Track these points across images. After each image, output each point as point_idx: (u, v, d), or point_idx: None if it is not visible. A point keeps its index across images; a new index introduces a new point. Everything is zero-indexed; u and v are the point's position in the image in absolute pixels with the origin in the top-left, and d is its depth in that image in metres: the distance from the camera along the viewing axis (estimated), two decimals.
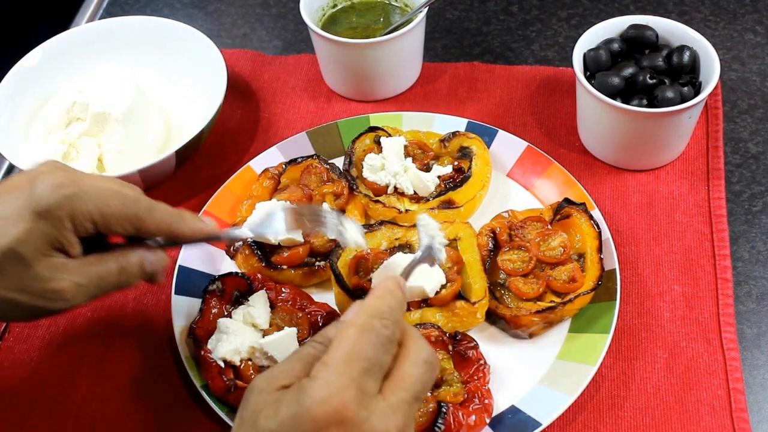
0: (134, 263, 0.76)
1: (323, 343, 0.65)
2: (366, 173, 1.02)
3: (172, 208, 0.77)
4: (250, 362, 0.87)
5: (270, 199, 1.00)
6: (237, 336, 0.87)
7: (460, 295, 0.90)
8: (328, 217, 0.83)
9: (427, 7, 1.10)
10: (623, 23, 1.06)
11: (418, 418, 0.82)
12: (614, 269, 0.92)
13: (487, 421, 0.83)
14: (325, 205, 0.96)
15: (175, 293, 0.94)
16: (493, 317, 0.92)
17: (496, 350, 0.90)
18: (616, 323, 0.89)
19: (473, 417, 0.82)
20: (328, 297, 0.95)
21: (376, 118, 1.09)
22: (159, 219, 0.75)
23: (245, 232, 0.84)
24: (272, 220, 0.84)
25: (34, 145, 1.09)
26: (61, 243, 0.71)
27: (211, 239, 0.83)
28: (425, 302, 0.90)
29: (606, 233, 0.95)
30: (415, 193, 1.01)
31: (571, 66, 1.02)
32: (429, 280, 0.89)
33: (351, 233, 0.83)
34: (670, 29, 1.05)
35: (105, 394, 0.91)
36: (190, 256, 0.97)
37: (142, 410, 0.89)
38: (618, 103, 0.98)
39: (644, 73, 1.00)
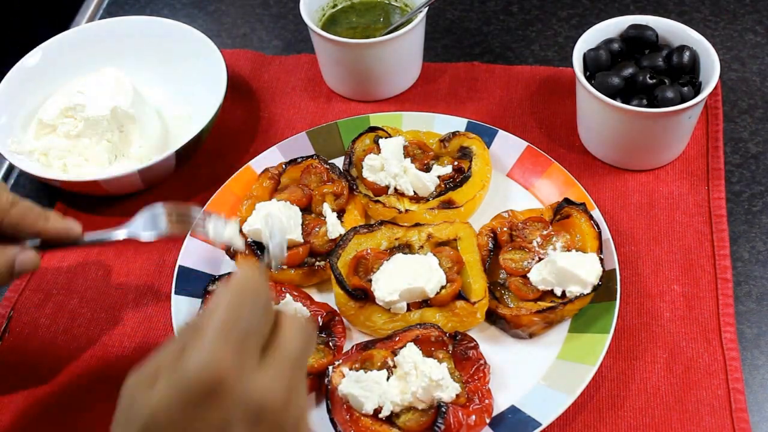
0: (2, 262, 0.74)
1: (190, 325, 0.60)
2: (366, 173, 1.02)
3: (38, 207, 0.76)
4: None
5: (270, 199, 1.00)
6: None
7: (460, 295, 0.90)
8: (193, 217, 0.87)
9: (427, 7, 1.10)
10: (623, 23, 1.06)
11: (418, 418, 0.82)
12: (614, 269, 0.92)
13: (487, 421, 0.83)
14: (194, 208, 0.92)
15: (175, 293, 0.94)
16: (493, 317, 0.92)
17: (496, 350, 0.90)
18: (616, 323, 0.89)
19: (473, 417, 0.82)
20: (328, 297, 0.95)
21: (376, 118, 1.09)
22: (22, 214, 0.74)
23: (118, 234, 0.84)
24: (156, 221, 0.86)
25: (34, 144, 1.09)
26: None
27: (80, 243, 0.81)
28: (425, 302, 0.90)
29: (606, 233, 0.95)
30: (415, 193, 1.01)
31: (571, 66, 1.02)
32: (429, 280, 0.89)
33: (215, 230, 0.86)
34: (670, 29, 1.05)
35: (105, 394, 0.91)
36: (190, 257, 0.97)
37: None
38: (618, 103, 0.98)
39: (644, 73, 1.00)
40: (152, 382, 0.55)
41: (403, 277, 0.89)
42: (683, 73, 1.02)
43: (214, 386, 0.54)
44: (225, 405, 0.54)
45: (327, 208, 0.98)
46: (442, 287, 0.90)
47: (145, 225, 0.86)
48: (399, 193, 1.01)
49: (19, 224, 0.75)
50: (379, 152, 1.03)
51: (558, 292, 0.90)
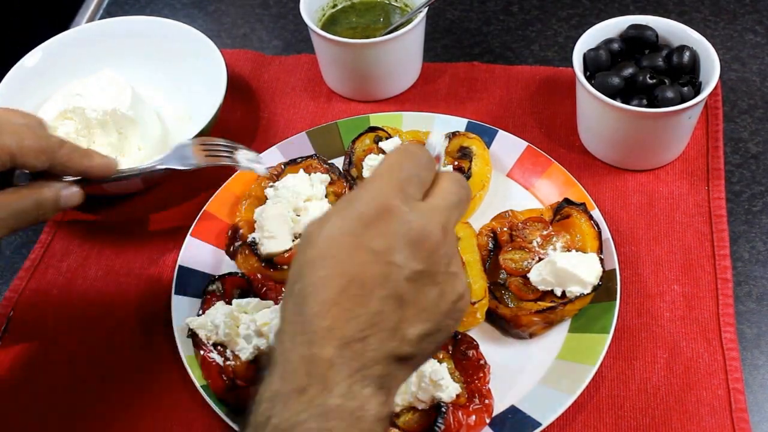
0: (50, 198, 0.78)
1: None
2: (366, 173, 1.02)
3: (81, 147, 0.80)
4: (249, 364, 0.87)
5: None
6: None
7: None
8: (223, 147, 0.94)
9: (427, 7, 1.10)
10: (623, 23, 1.06)
11: (418, 418, 0.82)
12: (614, 269, 0.92)
13: (487, 421, 0.83)
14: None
15: (175, 293, 0.94)
16: (493, 317, 0.92)
17: (496, 350, 0.90)
18: (616, 323, 0.89)
19: (473, 417, 0.82)
20: None
21: (376, 118, 1.09)
22: (69, 153, 0.78)
23: (154, 166, 0.90)
24: (188, 155, 0.91)
25: None
26: None
27: (122, 177, 0.87)
28: None
29: (606, 233, 0.95)
30: None
31: (571, 66, 1.02)
32: None
33: (244, 159, 0.94)
34: (670, 29, 1.05)
35: (105, 394, 0.91)
36: (190, 256, 0.98)
37: (142, 410, 0.89)
38: (618, 103, 0.98)
39: (644, 73, 1.00)
40: (324, 218, 0.63)
41: None
42: (683, 73, 1.02)
43: (380, 212, 0.61)
44: (390, 228, 0.60)
45: (328, 207, 0.98)
46: None
47: (178, 159, 0.91)
48: None
49: (67, 164, 0.79)
50: (380, 152, 1.03)
51: (558, 293, 0.90)
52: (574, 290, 0.89)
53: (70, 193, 0.80)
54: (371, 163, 1.02)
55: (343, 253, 0.60)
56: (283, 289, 0.90)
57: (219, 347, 0.88)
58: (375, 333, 0.59)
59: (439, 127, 1.08)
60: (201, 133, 1.03)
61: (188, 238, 0.99)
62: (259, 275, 0.94)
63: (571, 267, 0.88)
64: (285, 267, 0.95)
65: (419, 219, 0.61)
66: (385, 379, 0.60)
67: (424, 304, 0.61)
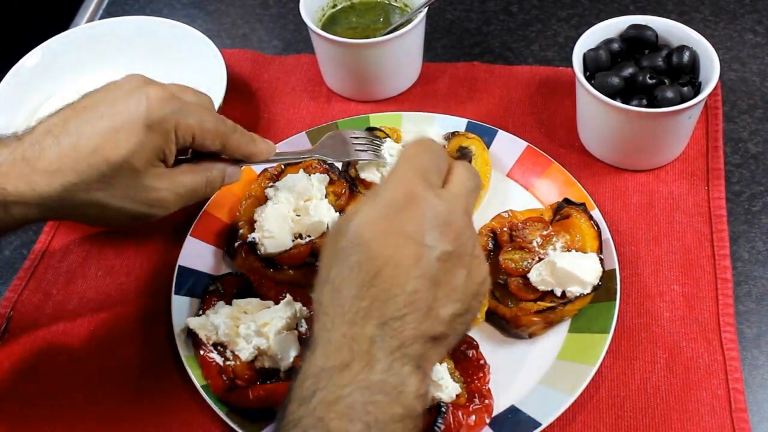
0: (218, 176, 0.83)
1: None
2: (363, 174, 1.02)
3: (246, 131, 0.85)
4: (249, 364, 0.87)
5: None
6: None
7: None
8: (376, 143, 1.00)
9: (427, 7, 1.10)
10: (623, 23, 1.06)
11: None
12: (614, 269, 0.92)
13: (487, 421, 0.83)
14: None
15: (175, 293, 0.94)
16: (493, 317, 0.92)
17: (496, 350, 0.90)
18: (616, 323, 0.89)
19: (473, 417, 0.82)
20: None
21: (376, 118, 1.09)
22: (240, 138, 0.83)
23: (309, 155, 0.96)
24: (340, 147, 0.97)
25: None
26: (165, 154, 0.78)
27: (279, 161, 0.97)
28: None
29: (606, 233, 0.95)
30: None
31: (571, 66, 1.02)
32: None
33: (387, 153, 0.99)
34: (670, 29, 1.05)
35: (105, 394, 0.91)
36: (190, 257, 0.98)
37: (142, 410, 0.89)
38: (618, 103, 0.98)
39: (644, 73, 1.00)
40: (352, 211, 0.66)
41: None
42: (683, 73, 1.02)
43: (408, 198, 0.65)
44: (419, 213, 0.64)
45: (328, 207, 0.98)
46: None
47: (332, 150, 0.96)
48: None
49: (236, 148, 0.83)
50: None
51: (558, 293, 0.90)
52: (574, 290, 0.89)
53: (233, 172, 0.85)
54: (367, 164, 1.02)
55: (377, 237, 0.63)
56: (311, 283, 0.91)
57: (219, 347, 0.88)
58: (411, 312, 0.62)
59: (439, 127, 1.08)
60: None
61: (188, 238, 0.99)
62: (259, 275, 0.94)
63: (571, 267, 0.88)
64: (285, 267, 0.95)
65: (444, 204, 0.65)
66: (421, 358, 0.63)
67: (454, 284, 0.64)
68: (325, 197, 1.00)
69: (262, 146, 0.86)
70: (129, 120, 0.75)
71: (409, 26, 1.08)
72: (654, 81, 1.00)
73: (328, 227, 0.97)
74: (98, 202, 0.76)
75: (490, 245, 0.96)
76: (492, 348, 0.90)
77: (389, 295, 0.62)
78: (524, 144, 1.05)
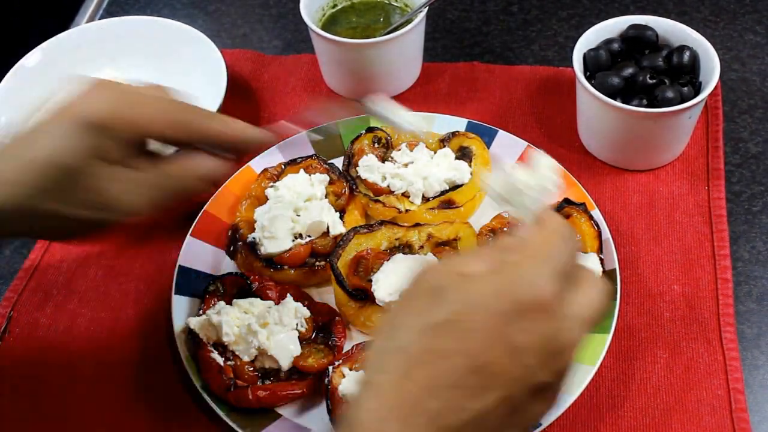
0: (190, 167, 0.75)
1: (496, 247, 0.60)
2: (362, 174, 1.02)
3: (232, 118, 0.77)
4: (249, 364, 0.87)
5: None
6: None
7: None
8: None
9: (427, 7, 1.10)
10: (623, 23, 1.06)
11: None
12: (614, 269, 0.92)
13: None
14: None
15: (175, 293, 0.94)
16: None
17: None
18: (616, 323, 0.89)
19: None
20: (328, 297, 0.95)
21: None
22: (220, 124, 0.75)
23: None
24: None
25: None
26: (111, 153, 0.71)
27: (265, 143, 0.84)
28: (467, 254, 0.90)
29: (606, 233, 0.95)
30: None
31: (571, 66, 1.02)
32: None
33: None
34: (670, 29, 1.05)
35: (105, 394, 0.91)
36: (190, 256, 0.97)
37: (142, 410, 0.89)
38: (618, 103, 0.98)
39: (644, 73, 1.00)
40: (463, 282, 0.55)
41: (404, 278, 0.88)
42: (683, 73, 1.02)
43: (535, 304, 0.54)
44: (539, 327, 0.54)
45: (328, 207, 0.98)
46: None
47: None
48: (404, 194, 1.01)
49: (210, 135, 0.76)
50: (377, 151, 1.03)
51: None
52: None
53: (213, 164, 0.77)
54: (366, 164, 1.02)
55: (481, 333, 0.53)
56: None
57: (219, 347, 0.88)
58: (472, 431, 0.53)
59: (439, 127, 1.08)
60: None
61: (188, 238, 0.99)
62: (259, 275, 0.94)
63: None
64: (285, 267, 0.95)
65: (570, 330, 0.55)
66: None
67: (528, 418, 0.56)
68: (325, 197, 1.00)
69: (254, 131, 0.79)
70: (65, 120, 0.70)
71: (409, 26, 1.08)
72: (654, 81, 1.00)
73: (328, 228, 0.97)
74: (47, 212, 0.70)
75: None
76: None
77: (462, 405, 0.52)
78: (524, 144, 1.05)
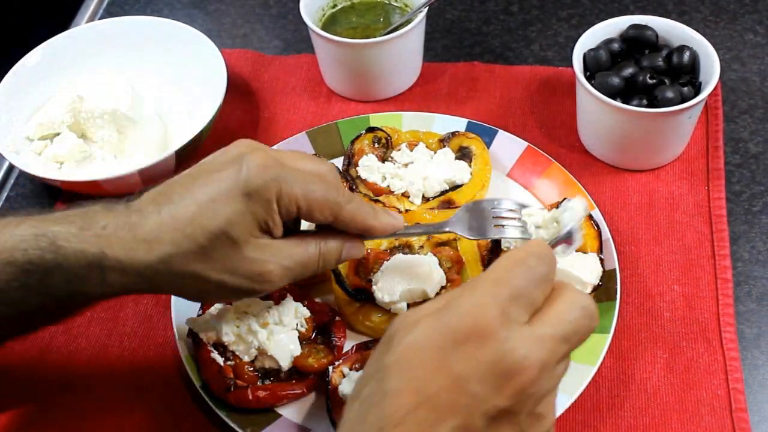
0: (334, 249, 0.76)
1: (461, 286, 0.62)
2: (362, 174, 1.02)
3: (366, 201, 0.78)
4: (249, 364, 0.87)
5: None
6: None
7: None
8: (513, 215, 0.84)
9: (427, 7, 1.10)
10: (623, 23, 1.06)
11: None
12: (614, 269, 0.92)
13: None
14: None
15: None
16: None
17: None
18: (616, 323, 0.89)
19: None
20: (328, 297, 0.95)
21: (376, 118, 1.09)
22: (356, 210, 0.75)
23: (442, 227, 0.83)
24: (473, 219, 0.84)
25: (34, 145, 1.09)
26: (268, 225, 0.72)
27: (406, 235, 0.84)
28: (425, 302, 0.90)
29: (606, 233, 0.95)
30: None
31: (571, 66, 1.02)
32: (429, 281, 0.89)
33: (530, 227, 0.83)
34: (670, 29, 1.05)
35: (105, 394, 0.91)
36: None
37: (142, 410, 0.89)
38: (618, 103, 0.98)
39: (644, 73, 1.00)
40: (414, 324, 0.57)
41: (404, 278, 0.89)
42: (683, 73, 1.02)
43: (473, 332, 0.54)
44: (480, 354, 0.54)
45: None
46: (442, 287, 0.90)
47: (465, 226, 0.83)
48: (404, 194, 1.01)
49: (351, 222, 0.76)
50: (376, 151, 1.03)
51: None
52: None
53: (353, 246, 0.78)
54: (366, 164, 1.02)
55: (422, 368, 0.54)
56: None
57: (219, 347, 0.88)
58: None
59: (439, 127, 1.08)
60: (201, 133, 1.03)
61: None
62: None
63: (571, 268, 0.88)
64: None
65: (516, 350, 0.54)
66: None
67: None
68: None
69: (385, 220, 0.77)
70: (227, 188, 0.70)
71: (409, 26, 1.08)
72: (654, 81, 1.00)
73: None
74: (196, 275, 0.71)
75: (490, 245, 0.96)
76: None
77: None
78: (524, 144, 1.05)
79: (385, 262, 0.92)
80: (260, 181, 0.70)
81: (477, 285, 0.57)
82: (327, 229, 0.77)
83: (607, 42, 1.05)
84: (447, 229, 0.83)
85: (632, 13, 1.11)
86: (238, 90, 1.20)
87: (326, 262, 0.76)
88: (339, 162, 1.05)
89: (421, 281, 0.88)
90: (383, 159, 1.04)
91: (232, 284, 0.72)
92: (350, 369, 0.85)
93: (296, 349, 0.87)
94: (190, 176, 0.73)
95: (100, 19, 1.34)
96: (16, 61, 1.13)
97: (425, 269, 0.90)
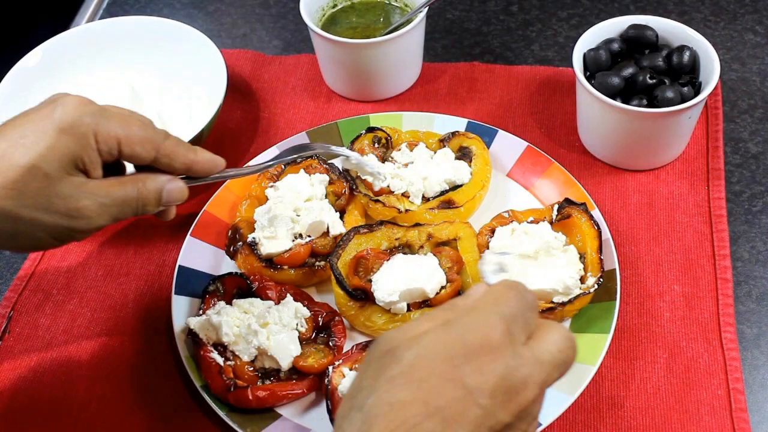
0: (153, 189, 0.77)
1: (449, 305, 0.62)
2: (363, 174, 1.02)
3: (186, 142, 0.79)
4: (249, 364, 0.87)
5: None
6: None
7: (459, 295, 0.90)
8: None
9: (427, 7, 1.10)
10: (623, 23, 1.06)
11: None
12: (614, 269, 0.92)
13: None
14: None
15: (175, 293, 0.94)
16: None
17: None
18: (616, 323, 0.89)
19: None
20: (328, 297, 0.95)
21: (376, 118, 1.09)
22: (175, 144, 0.77)
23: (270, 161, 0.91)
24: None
25: None
26: (84, 162, 0.73)
27: (228, 176, 0.86)
28: (425, 303, 0.90)
29: (606, 233, 0.95)
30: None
31: (571, 66, 1.02)
32: (429, 281, 0.89)
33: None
34: (670, 29, 1.05)
35: (105, 394, 0.91)
36: (190, 256, 0.98)
37: (142, 410, 0.89)
38: (618, 103, 0.98)
39: (644, 73, 1.00)
40: (416, 339, 0.56)
41: (404, 278, 0.89)
42: (683, 73, 1.02)
43: (485, 345, 0.55)
44: (491, 368, 0.54)
45: (328, 207, 0.98)
46: (442, 287, 0.90)
47: (292, 153, 0.93)
48: (404, 195, 1.01)
49: (172, 156, 0.77)
50: (375, 150, 1.04)
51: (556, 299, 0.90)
52: (561, 299, 0.89)
53: (174, 186, 0.78)
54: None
55: (432, 380, 0.54)
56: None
57: (219, 347, 0.88)
58: None
59: (439, 127, 1.08)
60: (201, 133, 1.03)
61: (188, 238, 0.99)
62: (259, 275, 0.94)
63: (543, 284, 0.88)
64: (285, 267, 0.95)
65: (524, 368, 0.55)
66: None
67: None
68: (325, 197, 1.00)
69: (206, 155, 0.80)
70: (41, 125, 0.71)
71: (409, 26, 1.08)
72: (654, 81, 1.00)
73: (328, 228, 0.97)
74: (7, 212, 0.70)
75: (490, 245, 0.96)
76: None
77: None
78: (524, 144, 1.05)
79: (385, 262, 0.92)
80: (75, 115, 0.71)
81: (480, 304, 0.58)
82: (148, 171, 0.77)
83: (607, 42, 1.05)
84: (272, 162, 0.92)
85: (632, 13, 1.11)
86: (238, 90, 1.20)
87: (146, 201, 0.77)
88: (339, 162, 1.05)
89: (420, 281, 0.88)
90: (383, 159, 1.04)
91: (46, 222, 0.71)
92: (350, 369, 0.85)
93: (296, 349, 0.87)
94: (7, 121, 0.73)
95: (100, 19, 1.34)
96: (16, 61, 1.13)
97: (425, 269, 0.90)
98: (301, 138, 1.08)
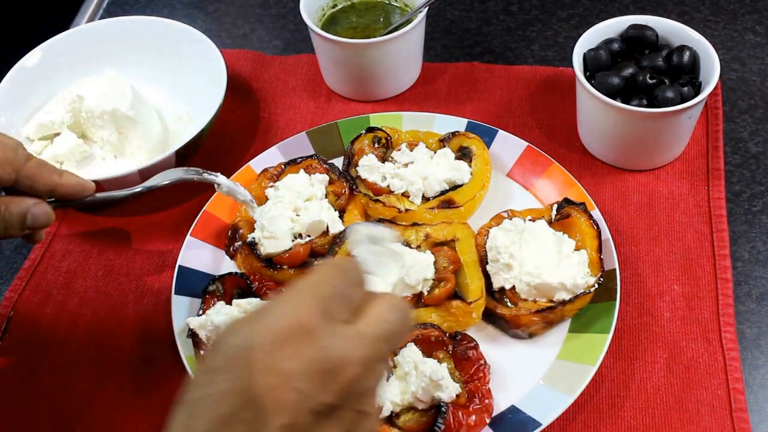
0: (16, 212, 0.76)
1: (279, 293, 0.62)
2: (362, 174, 1.02)
3: (52, 164, 0.78)
4: None
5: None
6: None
7: (456, 295, 0.90)
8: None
9: (427, 7, 1.10)
10: (623, 23, 1.06)
11: (418, 418, 0.82)
12: (614, 269, 0.92)
13: (487, 421, 0.83)
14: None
15: (175, 293, 0.94)
16: (492, 317, 0.92)
17: (496, 350, 0.90)
18: (616, 323, 0.89)
19: (473, 417, 0.82)
20: None
21: (376, 118, 1.09)
22: (38, 165, 0.76)
23: (135, 189, 0.89)
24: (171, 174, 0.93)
25: (34, 146, 1.09)
26: None
27: (93, 200, 0.84)
28: (420, 302, 0.90)
29: (606, 233, 0.95)
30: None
31: (571, 66, 1.02)
32: (411, 273, 0.88)
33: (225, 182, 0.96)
34: (670, 29, 1.05)
35: (105, 394, 0.91)
36: (190, 256, 0.97)
37: (142, 410, 0.89)
38: (618, 103, 0.98)
39: (644, 73, 1.00)
40: (232, 330, 0.56)
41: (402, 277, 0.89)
42: (683, 73, 1.02)
43: (296, 330, 0.54)
44: (304, 351, 0.54)
45: (328, 206, 0.98)
46: (433, 284, 0.90)
47: (161, 178, 0.91)
48: (404, 194, 1.01)
49: (34, 178, 0.76)
50: (375, 150, 1.04)
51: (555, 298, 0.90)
52: (563, 296, 0.89)
53: (40, 210, 0.77)
54: (366, 164, 1.02)
55: (246, 369, 0.53)
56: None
57: None
58: None
59: (439, 127, 1.08)
60: (201, 133, 1.03)
61: (188, 238, 0.99)
62: (259, 275, 0.94)
63: (550, 278, 0.88)
64: (285, 267, 0.95)
65: (339, 346, 0.54)
66: None
67: None
68: (325, 197, 1.00)
69: (72, 179, 0.78)
70: None
71: (409, 26, 1.08)
72: (654, 81, 1.00)
73: (327, 228, 0.97)
74: None
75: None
76: (492, 348, 0.90)
77: None
78: (524, 144, 1.05)
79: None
80: None
81: (295, 288, 0.57)
82: (14, 194, 0.76)
83: (607, 42, 1.05)
84: (139, 190, 0.90)
85: (632, 13, 1.11)
86: (238, 90, 1.20)
87: (8, 224, 0.75)
88: (339, 162, 1.05)
89: (404, 272, 0.88)
90: (383, 159, 1.04)
91: None
92: None
93: None
94: None
95: (100, 19, 1.34)
96: (16, 61, 1.13)
97: (417, 263, 0.89)
98: (301, 138, 1.08)
